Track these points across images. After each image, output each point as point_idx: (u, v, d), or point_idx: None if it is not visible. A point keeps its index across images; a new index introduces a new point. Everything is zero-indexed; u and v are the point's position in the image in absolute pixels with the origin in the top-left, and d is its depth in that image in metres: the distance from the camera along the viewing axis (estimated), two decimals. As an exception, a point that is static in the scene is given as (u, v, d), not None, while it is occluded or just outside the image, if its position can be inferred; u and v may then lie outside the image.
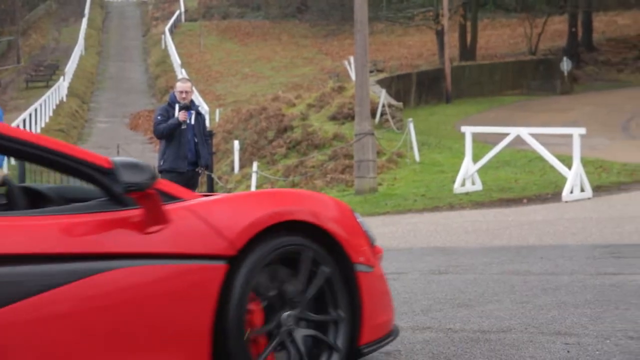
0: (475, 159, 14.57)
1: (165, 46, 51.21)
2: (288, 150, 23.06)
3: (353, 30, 16.83)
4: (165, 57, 49.16)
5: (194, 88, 9.98)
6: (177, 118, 9.28)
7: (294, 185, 20.08)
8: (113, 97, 43.17)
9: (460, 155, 16.43)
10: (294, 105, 27.62)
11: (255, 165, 19.72)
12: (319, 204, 3.44)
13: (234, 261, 3.09)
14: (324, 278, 3.32)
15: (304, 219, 3.28)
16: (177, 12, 60.39)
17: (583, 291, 5.39)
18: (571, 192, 12.71)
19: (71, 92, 41.28)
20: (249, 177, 19.86)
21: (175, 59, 45.98)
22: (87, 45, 51.72)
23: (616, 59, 48.28)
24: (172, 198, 3.14)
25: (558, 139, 15.68)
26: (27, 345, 2.67)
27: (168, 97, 9.85)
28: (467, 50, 44.67)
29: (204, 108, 29.15)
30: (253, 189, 19.00)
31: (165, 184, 3.14)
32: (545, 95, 39.56)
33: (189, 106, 9.44)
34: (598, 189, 13.43)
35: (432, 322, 4.74)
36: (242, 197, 3.31)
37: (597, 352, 3.85)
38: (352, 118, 20.26)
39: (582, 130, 13.08)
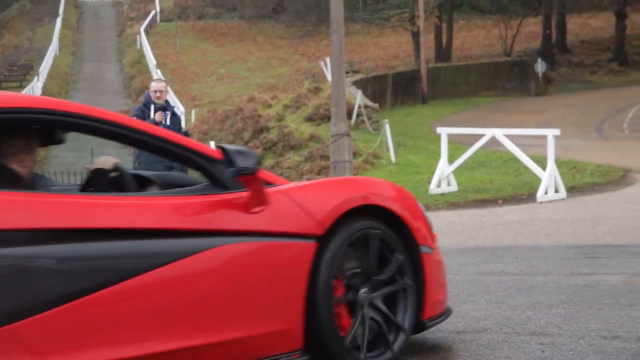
0: (451, 159, 14.63)
1: (141, 46, 50.97)
2: (264, 151, 23.04)
3: (329, 31, 16.84)
4: (140, 58, 48.93)
5: (169, 88, 9.94)
6: (154, 119, 9.23)
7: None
8: (87, 98, 42.87)
9: (436, 156, 16.50)
10: (270, 106, 27.59)
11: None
12: (389, 190, 3.87)
13: (322, 240, 3.50)
14: (388, 253, 3.75)
15: (379, 204, 3.71)
16: (153, 13, 60.11)
17: (557, 291, 5.43)
18: (545, 193, 12.79)
19: (45, 92, 40.96)
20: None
21: (151, 60, 45.78)
22: (61, 45, 51.36)
23: (590, 61, 48.69)
24: (267, 183, 3.54)
25: (533, 140, 15.78)
26: (155, 309, 3.08)
27: (143, 98, 9.80)
28: (443, 52, 44.87)
29: (179, 109, 29.03)
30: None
31: (261, 171, 3.49)
32: (519, 97, 39.81)
33: (165, 107, 9.40)
34: (572, 190, 13.53)
35: (407, 322, 4.76)
36: (326, 183, 3.80)
37: (571, 352, 3.88)
38: (328, 119, 20.27)
39: (556, 132, 13.17)
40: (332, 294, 3.50)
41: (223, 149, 3.43)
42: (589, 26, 53.55)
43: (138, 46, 51.85)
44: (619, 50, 48.21)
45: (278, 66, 48.17)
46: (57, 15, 58.75)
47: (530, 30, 50.36)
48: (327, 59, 32.27)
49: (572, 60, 48.71)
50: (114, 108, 40.34)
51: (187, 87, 44.04)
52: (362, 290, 3.66)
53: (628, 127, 28.37)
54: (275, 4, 60.48)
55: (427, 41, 42.23)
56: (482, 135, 14.44)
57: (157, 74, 39.50)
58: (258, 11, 60.55)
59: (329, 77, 27.86)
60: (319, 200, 3.56)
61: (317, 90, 28.08)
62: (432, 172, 15.06)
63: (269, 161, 21.81)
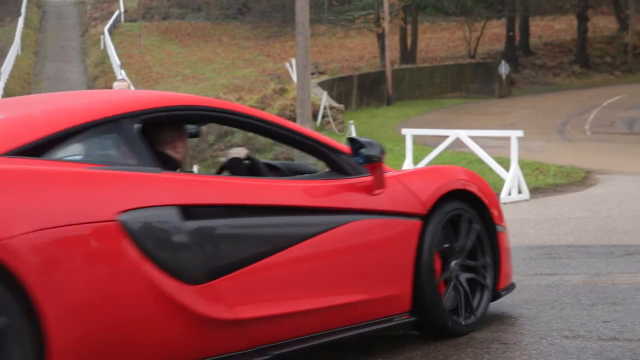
0: (416, 161, 14.70)
1: (105, 47, 50.56)
2: (229, 153, 22.97)
3: (294, 32, 16.86)
4: (104, 58, 48.53)
5: (132, 88, 9.90)
6: None
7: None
8: (50, 98, 42.40)
9: (401, 157, 16.57)
10: (235, 107, 27.50)
11: (195, 168, 19.61)
12: (471, 176, 4.50)
13: (425, 219, 4.14)
14: (476, 234, 4.37)
15: (465, 188, 4.36)
16: (117, 13, 59.64)
17: (520, 291, 5.48)
18: (509, 193, 12.91)
19: (7, 92, 40.44)
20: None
21: (115, 60, 45.43)
22: (23, 45, 50.74)
23: (552, 63, 49.25)
24: None
25: (496, 141, 15.93)
26: (307, 273, 3.69)
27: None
28: (408, 53, 45.09)
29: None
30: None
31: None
32: (483, 98, 40.15)
33: None
34: (535, 191, 13.67)
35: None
36: (424, 170, 4.58)
37: (534, 352, 3.92)
38: (294, 120, 20.26)
39: (520, 133, 13.30)
40: (433, 265, 4.13)
41: (354, 140, 3.98)
42: (552, 29, 54.16)
43: (102, 46, 51.43)
44: (581, 52, 48.82)
45: (243, 67, 48.08)
46: (19, 14, 58.06)
47: (494, 33, 50.80)
48: (293, 60, 32.29)
49: (535, 62, 49.22)
50: (78, 109, 39.86)
51: (152, 87, 43.77)
52: (453, 263, 4.28)
53: (590, 128, 28.74)
54: (240, 5, 60.34)
55: (392, 43, 42.42)
56: (446, 137, 14.53)
57: (121, 74, 39.21)
58: (223, 12, 60.38)
59: (294, 78, 27.87)
60: (422, 185, 4.21)
61: (282, 92, 28.08)
62: (397, 173, 15.12)
63: (234, 162, 21.75)
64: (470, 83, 42.55)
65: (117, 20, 58.53)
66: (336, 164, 4.07)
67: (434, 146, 15.18)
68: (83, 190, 3.11)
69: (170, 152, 3.91)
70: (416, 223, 4.10)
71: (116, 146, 3.48)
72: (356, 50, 50.26)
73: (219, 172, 4.23)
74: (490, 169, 14.28)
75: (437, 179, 4.29)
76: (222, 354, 3.41)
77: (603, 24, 54.10)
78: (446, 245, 4.25)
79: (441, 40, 52.10)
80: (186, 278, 3.26)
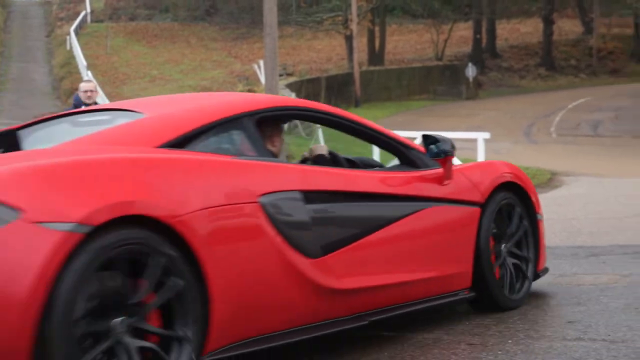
0: (384, 163, 14.76)
1: (71, 47, 50.10)
2: (197, 154, 22.89)
3: (263, 33, 16.84)
4: (70, 59, 48.09)
5: (99, 89, 9.87)
6: None
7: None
8: (15, 99, 41.94)
9: (369, 159, 16.59)
10: (203, 108, 27.40)
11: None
12: (516, 170, 5.15)
13: (482, 206, 4.79)
14: (518, 218, 5.04)
15: (513, 181, 5.02)
16: (83, 13, 59.12)
17: (487, 292, 5.52)
18: (476, 195, 13.00)
19: (-29, 93, 39.93)
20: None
21: (81, 61, 45.03)
22: (-12, 45, 50.13)
23: (519, 66, 49.70)
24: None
25: (463, 143, 16.00)
26: (387, 256, 4.25)
27: (72, 99, 9.66)
28: (376, 55, 45.24)
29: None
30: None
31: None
32: (451, 100, 40.40)
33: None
34: (501, 192, 13.76)
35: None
36: (481, 164, 5.22)
37: (500, 352, 3.95)
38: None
39: (487, 135, 13.39)
40: (489, 246, 4.78)
41: (427, 136, 4.62)
42: (518, 31, 54.66)
43: (68, 47, 50.97)
44: (547, 55, 49.32)
45: (211, 68, 47.92)
46: (-17, 14, 57.35)
47: (461, 35, 51.15)
48: (261, 62, 32.25)
49: (501, 65, 49.64)
50: (43, 109, 39.52)
51: (119, 88, 43.48)
52: (503, 245, 4.93)
53: (555, 131, 29.03)
54: (208, 6, 60.13)
55: (360, 45, 42.54)
56: (414, 139, 14.60)
57: (87, 75, 38.87)
58: (191, 13, 60.13)
59: (262, 80, 27.84)
60: (480, 177, 4.86)
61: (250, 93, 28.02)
62: (365, 175, 15.15)
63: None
64: (437, 85, 42.80)
65: (84, 20, 58.03)
66: (408, 158, 4.68)
67: (402, 148, 15.24)
68: (234, 177, 3.72)
69: (269, 146, 4.32)
70: (476, 210, 4.77)
71: (240, 140, 4.05)
72: (324, 52, 50.32)
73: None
74: (457, 170, 14.38)
75: (491, 172, 4.97)
76: (327, 319, 3.96)
77: (568, 27, 54.71)
78: (495, 231, 4.88)
79: (409, 43, 52.34)
80: (307, 252, 3.85)
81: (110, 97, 38.38)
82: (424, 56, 48.36)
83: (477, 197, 4.77)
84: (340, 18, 43.37)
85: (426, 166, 4.65)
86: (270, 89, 16.18)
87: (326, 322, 3.96)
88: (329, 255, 3.95)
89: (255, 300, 3.64)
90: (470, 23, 50.31)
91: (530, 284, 5.05)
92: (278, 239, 3.73)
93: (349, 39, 40.99)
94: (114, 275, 3.17)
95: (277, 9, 16.89)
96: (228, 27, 56.16)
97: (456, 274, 4.63)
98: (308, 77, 37.69)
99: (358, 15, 40.16)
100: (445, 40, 47.30)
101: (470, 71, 41.83)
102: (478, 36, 48.87)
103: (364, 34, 45.24)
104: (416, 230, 4.41)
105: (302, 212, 3.89)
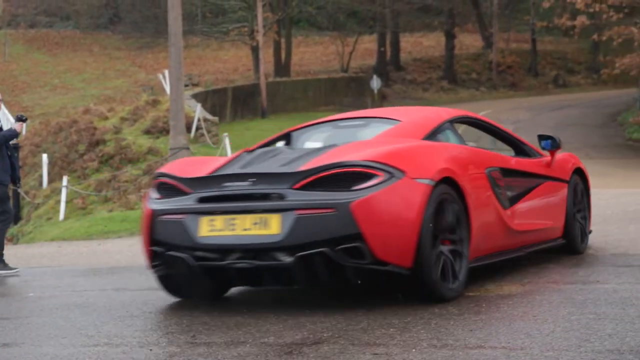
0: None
1: (-33, 54, 48.45)
2: (100, 165, 22.43)
3: (167, 43, 16.66)
4: (-34, 66, 46.52)
5: (-1, 97, 9.71)
6: (14, 129, 9.17)
7: (106, 200, 19.53)
8: None
9: (275, 170, 16.60)
10: (106, 118, 26.92)
11: (65, 179, 19.05)
12: (579, 161, 7.64)
13: (568, 183, 7.30)
14: (581, 192, 7.61)
15: (579, 167, 7.61)
16: (-20, 19, 57.26)
17: (391, 303, 5.59)
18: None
19: None
20: (59, 192, 19.12)
21: (-22, 68, 43.59)
22: None
23: (422, 79, 50.64)
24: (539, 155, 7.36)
25: (368, 154, 16.18)
26: (532, 210, 6.71)
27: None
28: (282, 67, 45.35)
29: (9, 120, 27.78)
30: (63, 204, 18.31)
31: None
32: (356, 112, 40.82)
33: (25, 118, 9.34)
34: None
35: (246, 336, 4.76)
36: (564, 155, 7.53)
37: (404, 361, 4.01)
38: (167, 132, 20.01)
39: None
40: (573, 209, 7.35)
41: (541, 135, 7.27)
42: (421, 45, 55.71)
43: (-36, 54, 49.29)
44: (449, 69, 50.42)
45: (115, 78, 47.12)
46: None
47: (366, 48, 51.80)
48: (166, 72, 31.87)
49: (405, 77, 50.49)
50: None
51: (18, 97, 42.27)
52: (576, 210, 7.44)
53: (457, 142, 29.65)
54: (111, 15, 59.13)
55: (267, 56, 42.57)
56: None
57: (-16, 83, 37.64)
58: (94, 21, 59.01)
59: (167, 89, 27.50)
60: (565, 164, 7.42)
61: (155, 103, 27.67)
62: (272, 186, 15.14)
63: (105, 174, 21.27)
64: (343, 97, 43.19)
65: (-19, 27, 56.19)
66: (523, 150, 7.24)
67: (308, 159, 15.31)
68: (472, 156, 6.12)
69: None
70: (565, 185, 7.30)
71: (452, 135, 6.45)
72: (230, 62, 50.15)
73: None
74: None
75: (569, 160, 7.52)
76: (507, 249, 6.35)
77: (469, 41, 56.09)
78: (572, 199, 7.40)
79: (315, 54, 52.68)
80: (503, 205, 6.23)
81: (10, 105, 37.23)
82: (329, 68, 48.75)
83: (566, 176, 7.33)
84: (246, 29, 43.31)
85: (534, 155, 7.23)
86: (175, 99, 16.01)
87: (506, 250, 6.34)
88: (511, 208, 6.37)
89: (485, 230, 5.93)
90: (374, 36, 51.00)
91: (587, 238, 7.66)
92: (493, 196, 6.10)
93: (255, 50, 40.95)
94: (439, 210, 5.41)
95: (182, 18, 16.76)
96: (132, 36, 55.36)
97: (557, 227, 7.14)
98: (214, 87, 37.47)
99: (264, 27, 40.20)
100: (351, 53, 47.81)
101: (375, 83, 42.38)
102: (382, 49, 49.58)
103: (270, 45, 45.30)
104: (542, 195, 6.91)
105: (502, 180, 6.27)
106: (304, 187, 5.24)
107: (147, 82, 43.39)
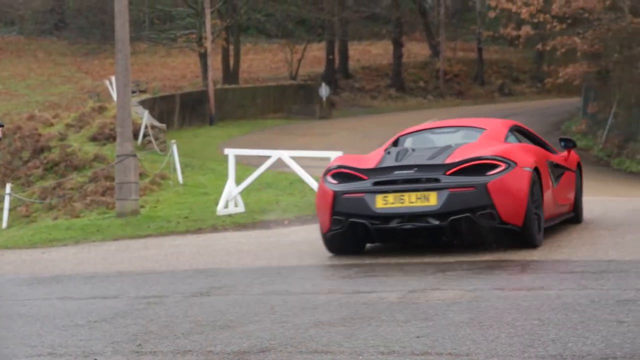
0: (239, 181, 14.74)
1: None
2: (45, 172, 22.10)
3: (114, 49, 16.49)
4: None
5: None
6: None
7: (51, 207, 19.23)
8: None
9: (224, 177, 16.56)
10: (51, 125, 26.55)
11: (8, 187, 18.70)
12: (578, 156, 10.43)
13: (575, 172, 9.99)
14: (580, 178, 10.29)
15: (579, 161, 10.32)
16: None
17: (339, 309, 5.61)
18: (329, 213, 13.18)
19: None
20: (2, 200, 18.78)
21: None
22: None
23: (370, 86, 50.93)
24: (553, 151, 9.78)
25: (317, 161, 16.22)
26: (561, 190, 9.28)
27: None
28: (231, 74, 45.21)
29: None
30: (6, 212, 17.98)
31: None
32: (305, 120, 40.86)
33: (2, 124, 9.10)
34: (354, 210, 14.00)
35: (193, 345, 4.73)
36: (570, 152, 10.00)
37: (351, 368, 4.02)
38: (114, 139, 19.79)
39: (340, 154, 13.62)
40: (581, 191, 10.06)
41: (561, 138, 10.08)
42: (370, 53, 56.03)
43: None
44: (397, 77, 50.80)
45: (60, 84, 46.48)
46: None
47: (314, 55, 51.91)
48: (113, 78, 31.53)
49: (354, 85, 50.72)
50: None
51: (-40, 103, 41.40)
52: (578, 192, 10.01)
53: (405, 150, 29.84)
54: (57, 20, 58.32)
55: (215, 63, 42.40)
56: (268, 157, 14.67)
57: None
58: (39, 27, 58.11)
59: (114, 96, 27.21)
60: (572, 157, 9.96)
61: (102, 110, 27.37)
62: (220, 193, 15.10)
63: (50, 182, 20.95)
64: (292, 104, 43.20)
65: None
66: (550, 149, 9.54)
67: (257, 166, 15.28)
68: (539, 151, 9.04)
69: None
70: (574, 173, 9.85)
71: (514, 138, 9.16)
72: (179, 69, 49.83)
73: None
74: (311, 189, 14.54)
75: (575, 155, 10.10)
76: (552, 217, 8.82)
77: (417, 50, 56.59)
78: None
79: (263, 62, 52.63)
80: (554, 185, 8.76)
81: (-49, 112, 36.44)
82: (278, 75, 48.75)
83: (574, 167, 9.87)
84: (194, 36, 43.09)
85: (555, 152, 9.65)
86: (122, 105, 15.84)
87: (551, 218, 8.76)
88: (555, 187, 8.83)
89: (547, 202, 8.42)
90: (323, 44, 51.15)
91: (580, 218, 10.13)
92: (550, 179, 8.66)
93: (203, 56, 40.76)
94: (533, 188, 8.05)
95: (130, 24, 16.60)
96: (78, 42, 54.66)
97: (571, 203, 9.64)
98: (162, 94, 37.19)
99: (212, 34, 40.04)
100: (299, 60, 47.88)
101: (324, 91, 42.48)
102: (331, 57, 49.75)
103: (218, 52, 45.13)
104: (564, 180, 9.32)
105: (551, 169, 8.86)
106: (453, 174, 7.89)
107: (93, 88, 42.88)
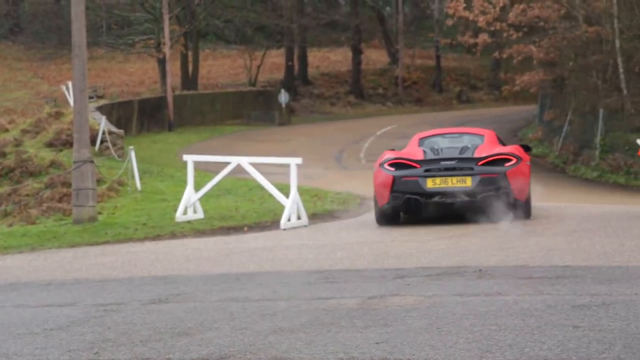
0: (197, 187, 14.67)
1: None
2: (0, 178, 21.77)
3: (71, 54, 16.32)
4: None
5: None
6: None
7: (6, 214, 18.95)
8: None
9: (183, 183, 16.47)
10: (6, 130, 26.17)
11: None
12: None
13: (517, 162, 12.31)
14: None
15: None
16: None
17: (299, 316, 5.61)
18: (289, 220, 13.18)
19: None
20: (-45, 207, 18.45)
21: None
22: None
23: (329, 93, 51.05)
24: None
25: (277, 168, 16.22)
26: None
27: None
28: (189, 80, 45.00)
29: None
30: (-41, 219, 17.65)
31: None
32: (264, 126, 40.82)
33: None
34: (314, 217, 14.05)
35: (151, 352, 4.70)
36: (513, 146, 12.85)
37: (311, 374, 4.02)
38: (71, 145, 19.55)
39: (299, 160, 13.63)
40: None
41: (520, 144, 12.99)
42: (329, 60, 56.16)
43: None
44: (356, 83, 50.98)
45: (16, 89, 45.86)
46: None
47: (273, 62, 51.89)
48: (69, 83, 31.18)
49: (313, 92, 50.80)
50: None
51: None
52: None
53: (365, 157, 29.99)
54: (12, 25, 57.54)
55: (174, 69, 42.17)
56: (227, 163, 14.62)
57: None
58: (-6, 31, 57.27)
59: (71, 101, 26.90)
60: (512, 148, 12.50)
61: (58, 115, 27.06)
62: (179, 200, 15.01)
63: (5, 188, 20.65)
64: (251, 110, 43.12)
65: None
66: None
67: (216, 172, 15.23)
68: (521, 149, 12.61)
69: None
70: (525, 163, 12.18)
71: (502, 142, 12.96)
72: (137, 75, 49.47)
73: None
74: (270, 195, 14.53)
75: (528, 157, 12.40)
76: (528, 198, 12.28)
77: (375, 57, 56.86)
78: None
79: (223, 68, 52.47)
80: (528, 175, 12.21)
81: None
82: (237, 81, 48.64)
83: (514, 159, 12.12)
84: (152, 41, 42.81)
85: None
86: (79, 111, 15.68)
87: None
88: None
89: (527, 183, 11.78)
90: (282, 50, 51.16)
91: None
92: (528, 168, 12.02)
93: (161, 62, 40.52)
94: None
95: (87, 29, 16.45)
96: (34, 46, 54.00)
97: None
98: (120, 100, 36.88)
99: (171, 39, 39.83)
100: (259, 67, 47.83)
101: (283, 97, 42.49)
102: (290, 63, 49.78)
103: (177, 58, 44.89)
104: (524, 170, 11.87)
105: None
106: (482, 165, 11.42)
107: (50, 93, 42.37)
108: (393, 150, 13.04)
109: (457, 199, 11.35)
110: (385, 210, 11.84)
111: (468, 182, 11.32)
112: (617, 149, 26.64)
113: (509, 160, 11.54)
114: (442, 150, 11.96)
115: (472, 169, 11.39)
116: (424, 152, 11.94)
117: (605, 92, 28.57)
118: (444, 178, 11.42)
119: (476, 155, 11.58)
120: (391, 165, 11.80)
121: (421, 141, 12.65)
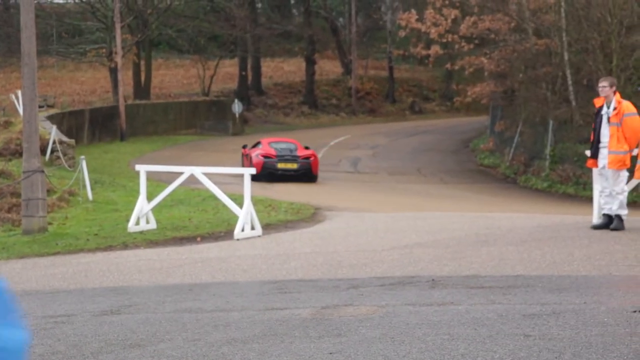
0: (150, 197, 14.55)
1: None
2: (-54, 188, 21.31)
3: (20, 63, 16.11)
4: None
5: None
6: None
7: (-47, 226, 18.56)
8: None
9: (135, 193, 16.33)
10: (-46, 139, 25.65)
11: None
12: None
13: None
14: None
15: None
16: None
17: (252, 326, 5.59)
18: (242, 230, 13.13)
19: None
20: None
21: None
22: None
23: (283, 103, 51.10)
24: None
25: (230, 178, 16.16)
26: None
27: None
28: (142, 89, 44.68)
29: None
30: None
31: None
32: (218, 136, 40.68)
33: None
34: (267, 227, 14.03)
35: (103, 366, 4.64)
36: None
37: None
38: (20, 154, 19.26)
39: (253, 171, 13.61)
40: None
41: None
42: (282, 70, 56.23)
43: None
44: (309, 94, 51.11)
45: (-36, 97, 44.96)
46: None
47: (227, 72, 51.77)
48: (19, 92, 30.72)
49: (267, 101, 50.79)
50: None
51: None
52: None
53: (319, 167, 30.03)
54: (-39, 31, 56.53)
55: (126, 78, 41.84)
56: (181, 173, 14.53)
57: None
58: (-59, 37, 56.20)
59: (20, 110, 26.52)
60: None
61: (7, 124, 26.65)
62: (131, 210, 14.87)
63: (-48, 199, 20.22)
64: (204, 120, 42.95)
65: None
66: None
67: (169, 183, 15.13)
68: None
69: None
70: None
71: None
72: (88, 84, 48.95)
73: None
74: (224, 205, 14.48)
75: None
76: None
77: (329, 67, 57.08)
78: None
79: (175, 77, 52.19)
80: None
81: None
82: (190, 91, 48.41)
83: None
84: (104, 50, 42.42)
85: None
86: (29, 120, 15.46)
87: None
88: None
89: None
90: (236, 60, 51.08)
91: None
92: None
93: (113, 71, 40.17)
94: None
95: (37, 38, 16.25)
96: (-17, 54, 53.07)
97: None
98: (71, 109, 36.46)
99: (123, 48, 39.51)
100: (212, 76, 47.68)
101: (237, 107, 42.41)
102: (243, 73, 49.71)
103: (129, 67, 44.55)
104: None
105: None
106: (302, 158, 24.51)
107: (-2, 102, 41.65)
108: (252, 148, 25.02)
109: (291, 173, 23.55)
110: (259, 176, 21.75)
111: (295, 166, 24.12)
112: (567, 160, 27.11)
113: (311, 157, 24.39)
114: (282, 149, 24.45)
115: (297, 159, 24.15)
116: (275, 149, 24.46)
117: (554, 103, 29.07)
118: (285, 163, 24.03)
119: (298, 153, 24.42)
120: (262, 155, 24.12)
121: (270, 144, 25.06)
